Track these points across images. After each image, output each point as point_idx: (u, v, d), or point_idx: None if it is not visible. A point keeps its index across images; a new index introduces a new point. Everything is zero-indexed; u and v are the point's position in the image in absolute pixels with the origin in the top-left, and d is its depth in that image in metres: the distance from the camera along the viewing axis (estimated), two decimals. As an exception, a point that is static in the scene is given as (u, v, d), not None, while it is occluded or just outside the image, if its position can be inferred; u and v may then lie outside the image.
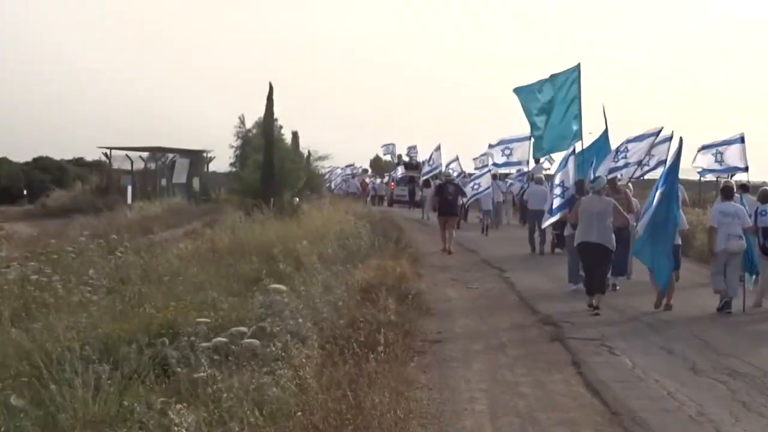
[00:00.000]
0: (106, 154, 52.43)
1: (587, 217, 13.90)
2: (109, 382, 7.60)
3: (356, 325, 10.73)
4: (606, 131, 18.42)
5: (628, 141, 20.52)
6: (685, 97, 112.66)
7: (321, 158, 53.55)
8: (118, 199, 44.60)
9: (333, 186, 61.70)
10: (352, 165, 63.54)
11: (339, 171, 62.85)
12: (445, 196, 23.46)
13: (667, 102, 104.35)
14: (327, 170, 60.01)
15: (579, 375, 9.60)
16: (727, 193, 14.25)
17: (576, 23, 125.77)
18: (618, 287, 15.70)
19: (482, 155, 35.96)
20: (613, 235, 13.89)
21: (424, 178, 40.33)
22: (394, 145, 59.32)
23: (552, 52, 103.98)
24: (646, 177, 21.81)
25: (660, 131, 20.51)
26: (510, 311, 13.84)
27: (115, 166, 53.25)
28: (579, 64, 16.65)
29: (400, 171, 55.20)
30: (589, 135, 18.40)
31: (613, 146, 19.99)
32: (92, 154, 60.97)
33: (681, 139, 13.89)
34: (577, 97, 16.69)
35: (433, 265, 19.80)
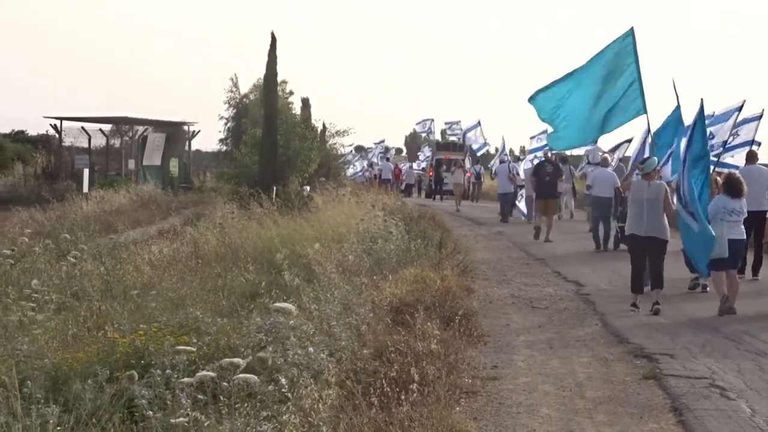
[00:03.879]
0: (55, 127, 52.77)
1: (636, 205, 15.69)
2: (58, 429, 7.67)
3: (385, 357, 10.77)
4: (678, 108, 18.80)
5: (710, 124, 20.93)
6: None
7: (340, 134, 53.73)
8: (71, 186, 44.91)
9: (354, 172, 62.15)
10: (382, 142, 63.73)
11: (378, 150, 63.35)
12: (543, 177, 27.61)
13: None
14: (348, 151, 60.29)
15: (680, 425, 9.59)
16: None
17: None
18: (709, 288, 17.00)
19: (542, 133, 36.34)
20: (667, 224, 15.53)
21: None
22: (432, 120, 59.62)
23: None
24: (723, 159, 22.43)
25: (742, 105, 21.93)
26: (589, 339, 13.84)
27: (67, 142, 53.58)
28: (632, 29, 17.67)
29: (426, 152, 55.59)
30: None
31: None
32: (37, 127, 61.43)
33: (702, 101, 15.35)
34: (634, 63, 17.59)
35: (487, 277, 19.84)
